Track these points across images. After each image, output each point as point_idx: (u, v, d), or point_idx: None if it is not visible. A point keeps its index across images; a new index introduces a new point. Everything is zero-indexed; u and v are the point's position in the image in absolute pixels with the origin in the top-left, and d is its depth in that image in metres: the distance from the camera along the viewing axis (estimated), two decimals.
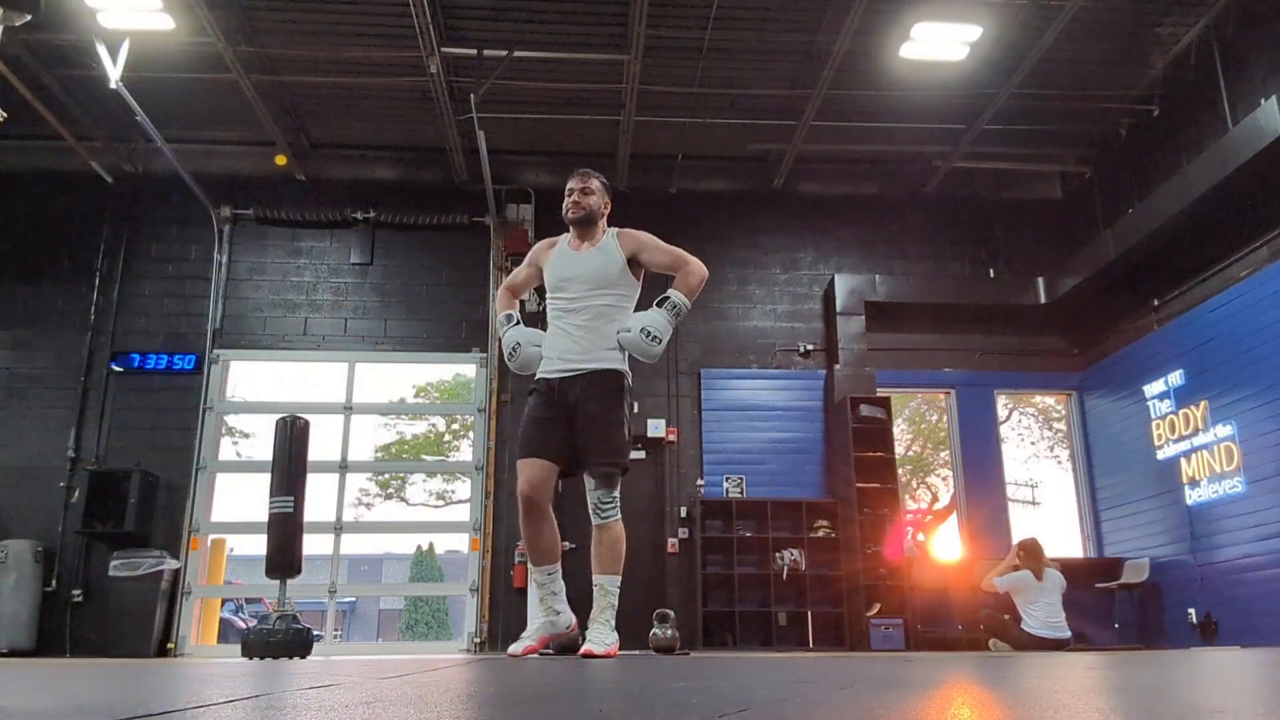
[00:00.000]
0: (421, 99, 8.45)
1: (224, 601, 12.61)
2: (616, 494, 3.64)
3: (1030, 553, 7.00)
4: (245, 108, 8.31)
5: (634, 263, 3.70)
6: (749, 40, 7.85)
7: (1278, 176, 6.90)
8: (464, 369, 10.46)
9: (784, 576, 8.44)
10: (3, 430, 8.51)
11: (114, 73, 7.15)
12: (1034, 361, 9.48)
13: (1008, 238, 9.80)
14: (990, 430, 9.42)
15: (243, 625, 10.61)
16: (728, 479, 8.79)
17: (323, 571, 9.00)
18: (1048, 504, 11.87)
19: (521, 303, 4.01)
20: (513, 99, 8.38)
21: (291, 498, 5.45)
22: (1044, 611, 6.82)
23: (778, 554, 8.48)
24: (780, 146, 9.14)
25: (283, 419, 5.68)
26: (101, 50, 7.13)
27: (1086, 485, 9.31)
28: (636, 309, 3.74)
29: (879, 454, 8.50)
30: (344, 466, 8.87)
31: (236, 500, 8.96)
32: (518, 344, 3.69)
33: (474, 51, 7.63)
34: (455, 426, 14.05)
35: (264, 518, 5.55)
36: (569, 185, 3.75)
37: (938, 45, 7.65)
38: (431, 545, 24.88)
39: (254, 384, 9.43)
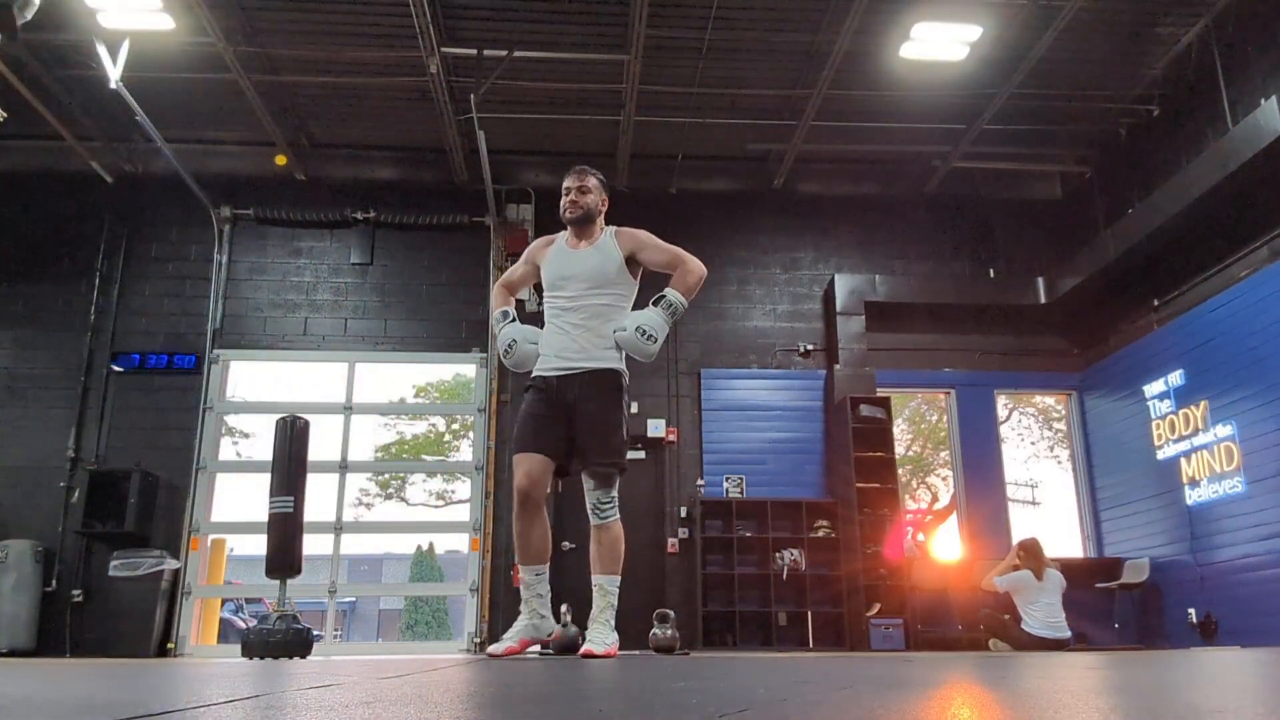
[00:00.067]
0: (421, 99, 8.45)
1: (224, 601, 12.61)
2: (615, 494, 3.64)
3: (1030, 553, 7.01)
4: (245, 108, 8.31)
5: (632, 261, 3.69)
6: (749, 40, 7.85)
7: (1278, 176, 6.90)
8: (464, 369, 10.46)
9: (784, 576, 8.44)
10: (3, 430, 8.51)
11: (114, 73, 7.15)
12: (1034, 361, 9.48)
13: (1008, 238, 9.80)
14: (990, 430, 9.42)
15: (243, 625, 10.61)
16: (728, 479, 8.79)
17: (323, 571, 8.99)
18: (1048, 504, 11.88)
19: (521, 302, 4.01)
20: (513, 99, 8.38)
21: (291, 498, 5.46)
22: (1044, 611, 6.82)
23: (778, 554, 8.48)
24: (780, 146, 9.15)
25: (283, 419, 5.68)
26: (101, 50, 7.14)
27: (1086, 485, 9.31)
28: (635, 308, 3.73)
29: (879, 454, 8.50)
30: (344, 466, 8.87)
31: (236, 500, 8.96)
32: (514, 341, 3.68)
33: (474, 51, 7.63)
34: (455, 426, 14.05)
35: (264, 518, 5.55)
36: (565, 184, 3.73)
37: (938, 45, 7.65)
38: (431, 545, 24.88)
39: (254, 384, 9.43)
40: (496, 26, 7.64)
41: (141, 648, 7.62)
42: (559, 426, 3.54)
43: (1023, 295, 9.39)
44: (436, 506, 15.61)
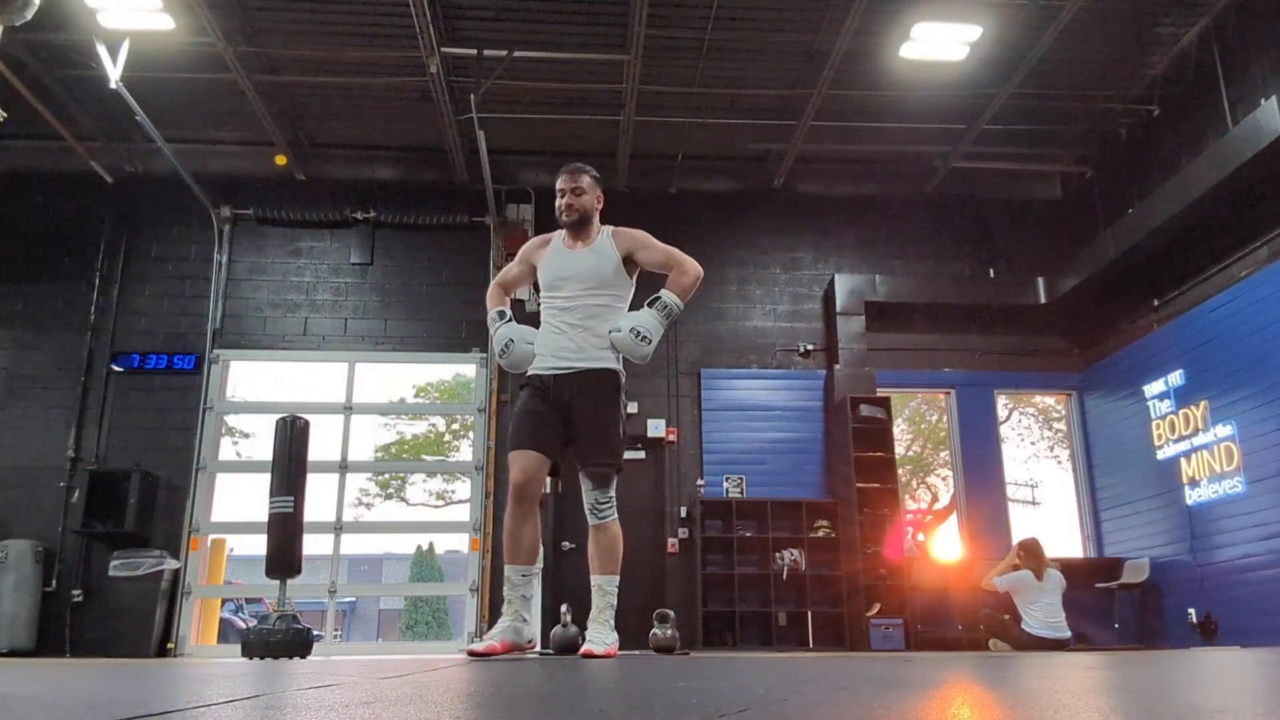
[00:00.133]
0: (421, 99, 8.45)
1: (224, 601, 12.61)
2: (612, 494, 3.62)
3: (1030, 552, 7.00)
4: (245, 108, 8.31)
5: (629, 261, 3.67)
6: (749, 40, 7.85)
7: (1278, 176, 6.90)
8: (464, 369, 10.46)
9: (784, 576, 8.44)
10: (3, 430, 8.51)
11: (114, 73, 7.15)
12: (1034, 361, 9.48)
13: (1008, 238, 9.80)
14: (990, 430, 9.42)
15: (243, 625, 10.61)
16: (728, 479, 8.79)
17: (323, 571, 8.99)
18: (1048, 504, 11.88)
19: (521, 302, 4.01)
20: (513, 99, 8.38)
21: (291, 498, 5.46)
22: (1044, 611, 6.81)
23: (778, 554, 8.48)
24: (780, 146, 9.15)
25: (283, 419, 5.69)
26: (101, 50, 7.14)
27: (1086, 485, 9.31)
28: (631, 307, 3.73)
29: (879, 454, 8.50)
30: (344, 466, 8.87)
31: (236, 500, 8.96)
32: (510, 341, 3.66)
33: (474, 51, 7.63)
34: (455, 426, 14.05)
35: (264, 518, 5.56)
36: (559, 185, 3.70)
37: (938, 45, 7.65)
38: (431, 545, 24.88)
39: (254, 384, 9.43)
40: (496, 26, 7.63)
41: (141, 648, 7.62)
42: (555, 425, 3.53)
43: (1023, 295, 9.39)
44: (436, 506, 15.62)
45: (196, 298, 9.04)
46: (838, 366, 8.99)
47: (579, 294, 3.61)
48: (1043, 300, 9.31)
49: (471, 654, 3.29)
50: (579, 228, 3.70)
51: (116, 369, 8.73)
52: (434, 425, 14.69)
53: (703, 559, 8.46)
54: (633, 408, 8.88)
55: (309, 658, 5.15)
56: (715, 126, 8.98)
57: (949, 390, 9.51)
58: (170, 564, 7.93)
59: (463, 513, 9.65)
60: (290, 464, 5.54)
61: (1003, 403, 10.50)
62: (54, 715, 1.22)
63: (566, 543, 8.38)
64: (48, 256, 9.02)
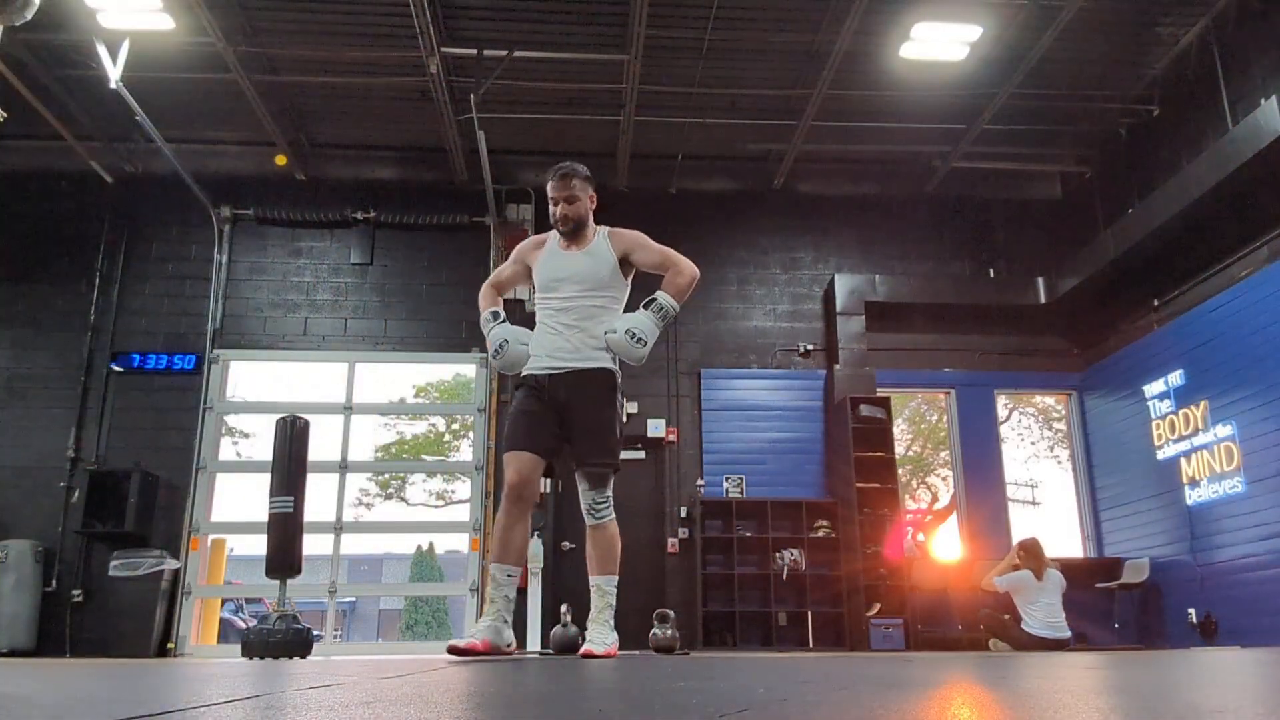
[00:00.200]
0: (421, 99, 8.45)
1: (224, 601, 12.61)
2: (609, 493, 3.61)
3: (1030, 553, 7.00)
4: (245, 108, 8.31)
5: (625, 262, 3.65)
6: (749, 40, 7.85)
7: (1278, 176, 6.90)
8: (464, 369, 10.46)
9: (784, 576, 8.44)
10: (3, 430, 8.51)
11: (114, 73, 7.15)
12: (1034, 361, 9.48)
13: (1008, 238, 9.80)
14: (990, 430, 9.42)
15: (243, 625, 10.61)
16: (728, 479, 8.79)
17: (323, 571, 8.99)
18: (1048, 504, 11.88)
19: (521, 301, 3.97)
20: (513, 99, 8.38)
21: (291, 498, 5.46)
22: (1044, 611, 6.81)
23: (778, 554, 8.48)
24: (780, 146, 9.15)
25: (283, 419, 5.69)
26: (101, 50, 7.14)
27: (1086, 485, 9.31)
28: (626, 308, 3.69)
29: (879, 454, 8.50)
30: (344, 466, 8.87)
31: (236, 500, 8.96)
32: (505, 341, 3.62)
33: (474, 51, 7.63)
34: (455, 426, 14.05)
35: (264, 518, 5.56)
36: (550, 192, 3.65)
37: (938, 45, 7.65)
38: (431, 545, 24.88)
39: (254, 384, 9.43)
40: (496, 26, 7.64)
41: (141, 648, 7.62)
42: (550, 425, 3.51)
43: (1023, 295, 9.39)
44: (436, 506, 15.61)
45: (196, 298, 9.04)
46: (838, 366, 8.99)
47: (575, 295, 3.59)
48: (1043, 300, 9.31)
49: (452, 649, 3.23)
50: (575, 233, 3.66)
51: (116, 369, 8.73)
52: (434, 425, 14.69)
53: (703, 559, 8.46)
54: (633, 408, 8.88)
55: (309, 658, 5.15)
56: (715, 126, 8.98)
57: (949, 390, 9.51)
58: (170, 564, 7.93)
59: (462, 513, 9.65)
60: (290, 464, 5.55)
61: (1003, 403, 10.50)
62: (54, 715, 1.22)
63: (566, 543, 8.38)
64: (48, 256, 9.02)
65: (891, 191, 9.83)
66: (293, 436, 5.60)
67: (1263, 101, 6.75)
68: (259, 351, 9.03)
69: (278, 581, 5.43)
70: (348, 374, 9.07)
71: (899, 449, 10.76)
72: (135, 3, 7.01)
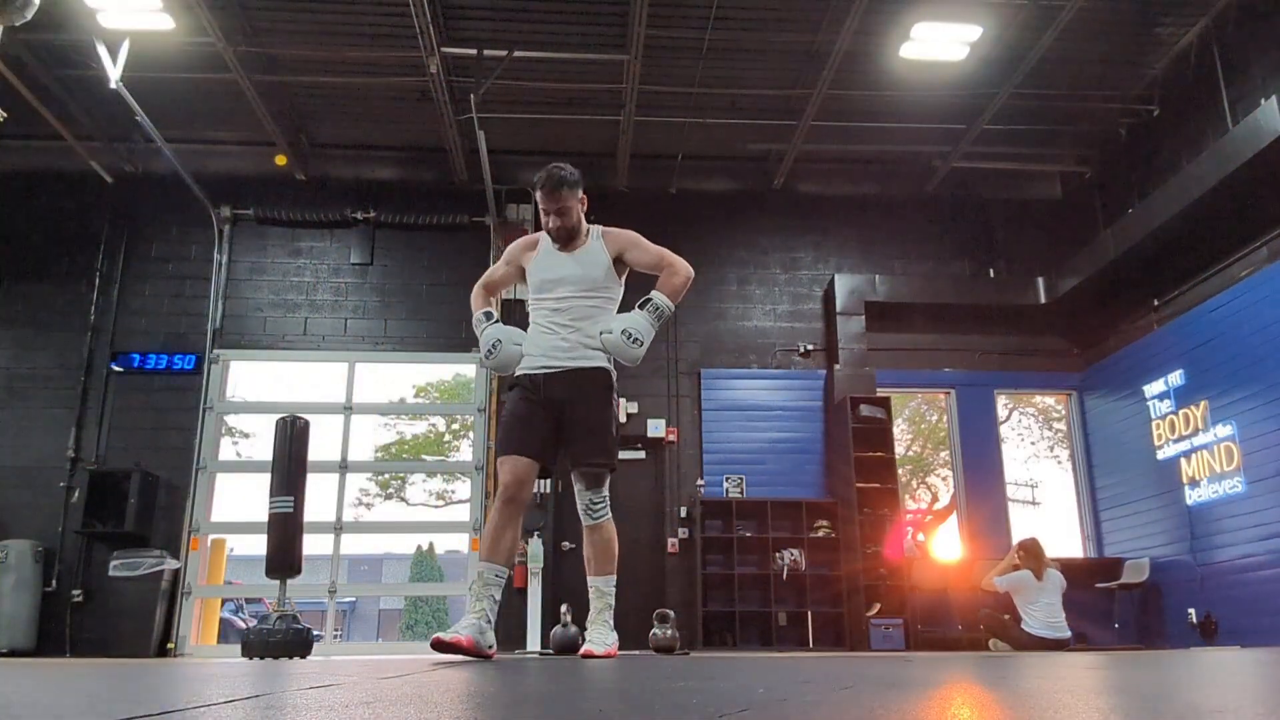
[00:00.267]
0: (421, 99, 8.45)
1: (224, 601, 12.61)
2: (606, 493, 3.59)
3: (1030, 552, 7.00)
4: (245, 108, 8.31)
5: (618, 262, 3.62)
6: (749, 40, 7.85)
7: (1278, 176, 6.90)
8: (464, 369, 10.46)
9: (784, 576, 8.44)
10: (3, 430, 8.51)
11: (114, 73, 7.15)
12: (1034, 361, 9.48)
13: (1008, 238, 9.80)
14: (990, 430, 9.42)
15: (243, 625, 10.61)
16: (728, 479, 8.79)
17: (323, 571, 8.99)
18: (1048, 504, 11.87)
19: (521, 302, 3.92)
20: (513, 99, 8.38)
21: (291, 498, 5.46)
22: (1044, 611, 6.81)
23: (778, 554, 8.48)
24: (780, 146, 9.15)
25: (283, 419, 5.69)
26: (101, 50, 7.14)
27: (1086, 485, 9.31)
28: (620, 308, 3.66)
29: (879, 454, 8.50)
30: (344, 466, 8.87)
31: (236, 500, 8.96)
32: (497, 341, 3.58)
33: (474, 51, 7.63)
34: (455, 426, 14.05)
35: (264, 518, 5.56)
36: (539, 202, 3.57)
37: (938, 45, 7.65)
38: (431, 545, 24.89)
39: (254, 384, 9.43)
40: (496, 26, 7.64)
41: (141, 648, 7.62)
42: (544, 426, 3.46)
43: (1023, 295, 9.39)
44: (436, 506, 15.61)
45: (196, 298, 9.04)
46: (838, 366, 8.99)
47: (570, 296, 3.55)
48: (1043, 300, 9.31)
49: (436, 642, 3.14)
50: (569, 239, 3.61)
51: (116, 369, 8.74)
52: (434, 425, 14.69)
53: (703, 559, 8.46)
54: (633, 408, 8.88)
55: (309, 658, 5.15)
56: (715, 126, 8.98)
57: (949, 390, 9.51)
58: (170, 564, 7.93)
59: (462, 513, 9.65)
60: (290, 464, 5.55)
61: (1003, 403, 10.50)
62: (54, 715, 1.22)
63: (566, 543, 8.37)
64: (48, 256, 9.02)
65: (891, 191, 9.83)
66: (293, 436, 5.60)
67: (1263, 101, 6.75)
68: (259, 351, 9.03)
69: (278, 581, 5.43)
70: (348, 374, 9.07)
71: (899, 449, 10.76)
72: (135, 3, 7.01)
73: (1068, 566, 7.36)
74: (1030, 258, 9.62)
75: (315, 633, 5.76)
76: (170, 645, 8.00)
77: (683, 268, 3.60)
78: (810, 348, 9.28)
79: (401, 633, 25.43)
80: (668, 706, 1.34)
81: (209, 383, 8.77)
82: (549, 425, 3.47)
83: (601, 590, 3.61)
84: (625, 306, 3.65)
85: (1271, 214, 7.11)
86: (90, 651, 7.77)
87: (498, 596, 3.35)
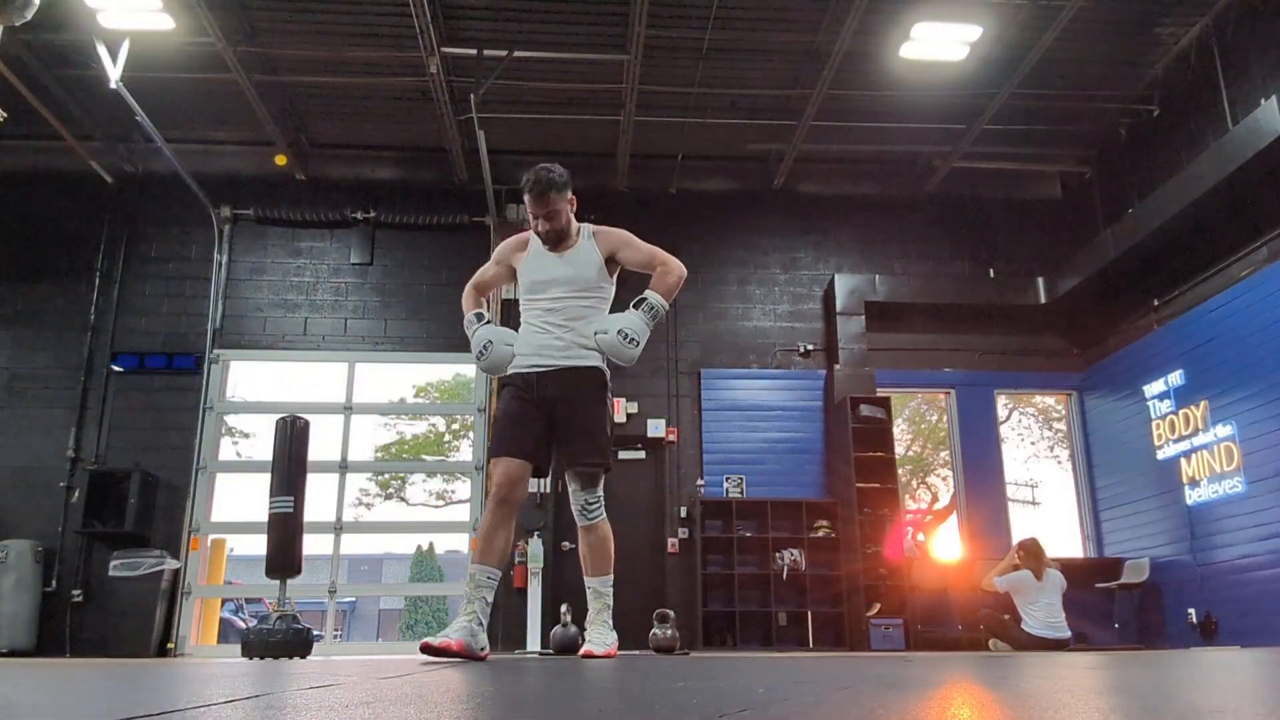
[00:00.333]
0: (421, 99, 8.45)
1: (224, 601, 12.61)
2: (601, 493, 3.57)
3: (1030, 552, 7.00)
4: (245, 108, 8.31)
5: (610, 261, 3.58)
6: (749, 40, 7.85)
7: (1278, 176, 6.90)
8: (464, 369, 10.46)
9: (784, 576, 8.44)
10: (3, 430, 8.51)
11: (114, 73, 7.15)
12: (1034, 361, 9.48)
13: (1008, 238, 9.80)
14: (990, 430, 9.42)
15: (243, 625, 10.61)
16: (728, 479, 8.79)
17: (323, 571, 9.00)
18: (1048, 504, 11.88)
19: (518, 302, 3.86)
20: (513, 99, 8.38)
21: (291, 498, 5.46)
22: (1044, 611, 6.81)
23: (778, 554, 8.48)
24: (780, 146, 9.15)
25: (283, 419, 5.69)
26: (101, 50, 7.14)
27: (1086, 485, 9.31)
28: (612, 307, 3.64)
29: (879, 454, 8.50)
30: (344, 466, 8.87)
31: (236, 500, 8.97)
32: (489, 343, 3.54)
33: (474, 51, 7.63)
34: (455, 426, 14.06)
35: (264, 518, 5.56)
36: (528, 206, 3.53)
37: (938, 45, 7.65)
38: (431, 545, 24.87)
39: (254, 384, 9.44)
40: (496, 26, 7.64)
41: (141, 648, 7.62)
42: (537, 426, 3.43)
43: (1023, 295, 9.39)
44: (436, 506, 15.61)
45: (196, 298, 9.04)
46: (838, 366, 8.99)
47: (563, 297, 3.52)
48: (1043, 300, 9.31)
49: (425, 647, 3.10)
50: (559, 241, 3.58)
51: (116, 369, 8.73)
52: (434, 425, 14.70)
53: (703, 559, 8.46)
54: (633, 407, 8.88)
55: (309, 658, 5.15)
56: (715, 126, 8.98)
57: (949, 390, 9.51)
58: (170, 564, 7.93)
59: (462, 513, 9.65)
60: (290, 464, 5.55)
61: (1003, 403, 10.50)
62: (54, 715, 1.22)
63: (566, 543, 8.37)
64: (48, 256, 9.02)
65: (891, 191, 9.83)
66: (293, 436, 5.60)
67: (1263, 101, 6.75)
68: (259, 351, 9.03)
69: (278, 581, 5.43)
70: (348, 374, 9.07)
71: (899, 449, 10.76)
72: (135, 3, 7.01)
73: (1068, 566, 7.36)
74: (1030, 258, 9.62)
75: (315, 633, 5.77)
76: (170, 645, 8.00)
77: (675, 266, 3.57)
78: (810, 348, 9.28)
79: (401, 633, 25.42)
80: (668, 706, 1.34)
81: (209, 383, 8.77)
82: (542, 424, 3.44)
83: (599, 591, 3.60)
84: (617, 305, 3.63)
85: (1271, 214, 7.11)
86: (90, 651, 7.77)
87: (490, 599, 3.31)
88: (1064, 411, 10.17)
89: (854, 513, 8.32)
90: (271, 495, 5.50)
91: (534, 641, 7.93)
